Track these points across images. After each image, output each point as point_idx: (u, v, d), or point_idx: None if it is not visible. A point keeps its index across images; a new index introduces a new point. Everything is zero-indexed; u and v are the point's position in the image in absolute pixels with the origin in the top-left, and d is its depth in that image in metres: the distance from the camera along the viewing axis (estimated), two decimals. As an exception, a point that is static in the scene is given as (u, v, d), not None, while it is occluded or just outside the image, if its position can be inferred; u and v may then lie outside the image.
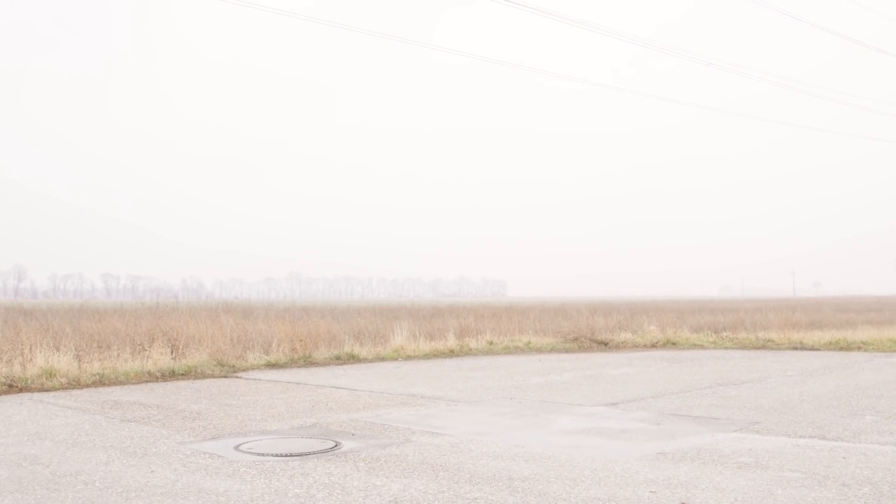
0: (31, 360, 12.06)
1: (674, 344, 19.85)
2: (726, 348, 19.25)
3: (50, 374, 11.57)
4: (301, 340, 15.86)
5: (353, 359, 15.58)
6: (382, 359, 15.83)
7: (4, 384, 10.99)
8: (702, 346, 19.42)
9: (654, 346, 19.54)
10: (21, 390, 10.91)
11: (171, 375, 12.51)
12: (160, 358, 13.26)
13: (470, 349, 17.75)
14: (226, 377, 12.65)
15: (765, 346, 19.02)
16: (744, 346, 19.53)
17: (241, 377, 12.60)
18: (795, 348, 18.42)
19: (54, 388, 11.10)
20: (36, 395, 10.52)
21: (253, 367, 13.74)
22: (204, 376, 12.64)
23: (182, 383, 11.85)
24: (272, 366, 14.09)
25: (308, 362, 14.76)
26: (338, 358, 15.45)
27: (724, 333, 22.14)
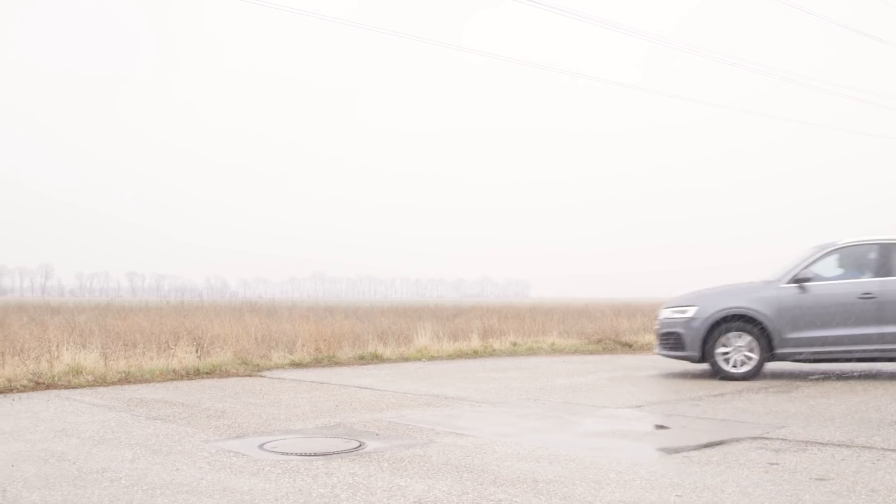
0: (57, 357, 12.16)
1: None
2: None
3: (76, 372, 11.65)
4: (325, 340, 15.90)
5: (376, 359, 15.60)
6: (406, 359, 15.84)
7: (32, 381, 11.08)
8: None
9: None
10: (48, 387, 10.99)
11: (195, 374, 12.57)
12: (185, 356, 13.32)
13: (493, 350, 17.73)
14: (250, 376, 12.69)
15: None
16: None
17: (265, 376, 12.65)
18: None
19: (81, 386, 11.18)
20: (63, 393, 10.60)
21: (277, 367, 13.78)
22: (228, 375, 12.70)
23: (207, 382, 11.91)
24: (296, 365, 14.12)
25: (332, 362, 14.79)
26: (361, 358, 15.47)
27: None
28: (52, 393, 10.57)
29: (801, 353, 11.80)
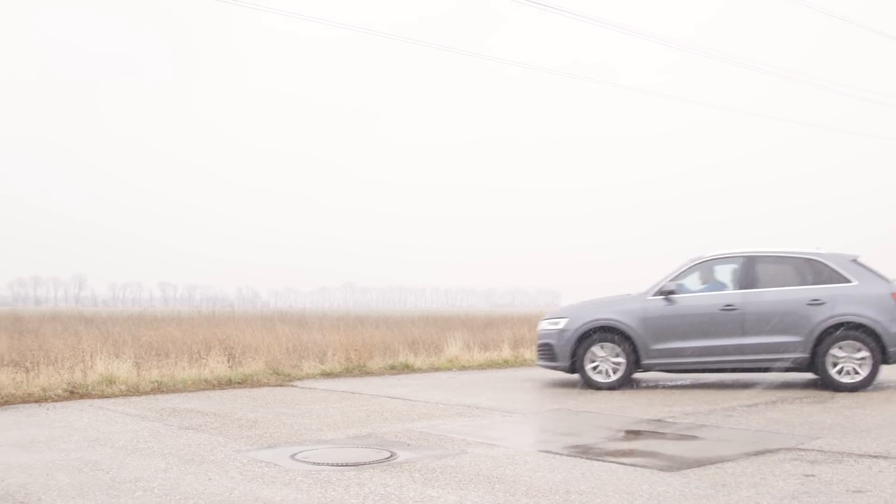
0: (91, 367, 12.26)
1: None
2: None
3: (110, 381, 11.74)
4: (356, 350, 15.92)
5: (407, 369, 15.60)
6: (437, 369, 15.82)
7: (66, 390, 11.18)
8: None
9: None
10: (82, 396, 11.08)
11: (227, 384, 12.62)
12: (217, 366, 13.38)
13: (524, 360, 17.67)
14: (281, 386, 12.73)
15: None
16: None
17: (296, 386, 12.68)
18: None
19: (114, 395, 11.26)
20: (96, 402, 10.68)
21: (308, 377, 13.81)
22: (260, 385, 12.74)
23: (238, 391, 11.95)
24: (327, 375, 14.15)
25: (363, 372, 14.80)
26: (392, 368, 15.47)
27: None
28: (86, 402, 10.66)
29: (666, 364, 12.03)
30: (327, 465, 6.57)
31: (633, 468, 6.36)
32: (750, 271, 11.96)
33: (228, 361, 13.86)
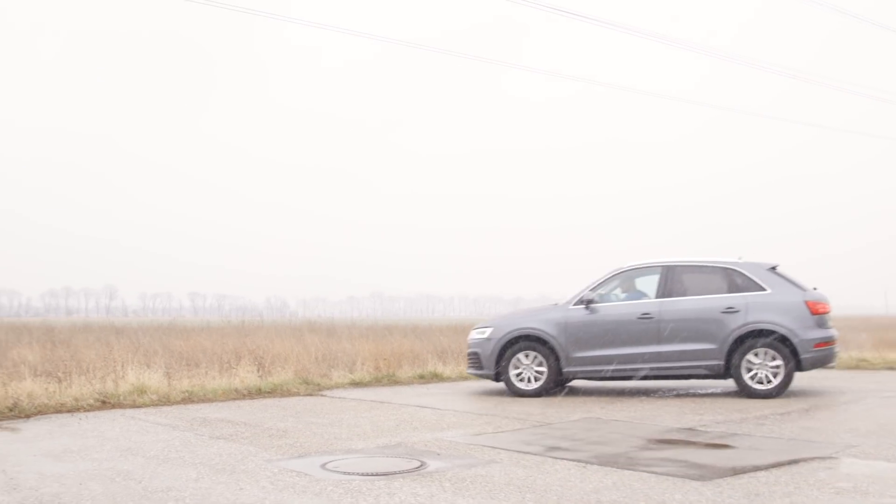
0: (122, 377, 12.34)
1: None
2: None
3: (141, 391, 11.81)
4: (384, 359, 15.94)
5: (436, 378, 15.58)
6: (466, 378, 15.79)
7: (98, 400, 11.26)
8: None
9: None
10: (113, 406, 11.15)
11: (257, 393, 12.67)
12: (247, 376, 13.43)
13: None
14: (311, 395, 12.76)
15: (858, 365, 18.46)
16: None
17: (325, 395, 12.70)
18: (891, 368, 17.85)
19: (145, 405, 11.32)
20: (128, 412, 10.75)
21: (337, 386, 13.83)
22: (289, 394, 12.77)
23: (268, 401, 11.99)
24: (356, 384, 14.16)
25: (392, 381, 14.81)
26: (421, 377, 15.47)
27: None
28: (118, 412, 10.73)
29: (586, 371, 12.26)
30: (358, 474, 6.57)
31: (664, 477, 6.31)
32: (668, 281, 12.19)
33: (258, 371, 13.91)
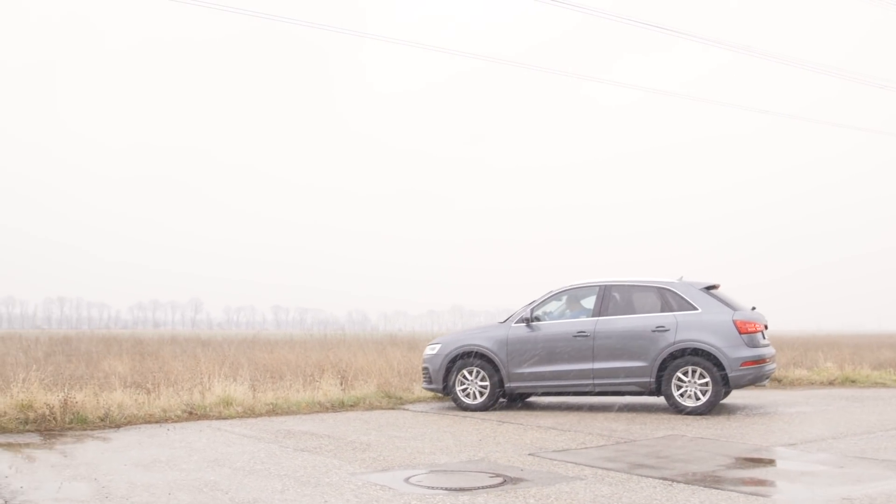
0: (209, 388, 12.55)
1: (853, 381, 18.86)
2: (912, 388, 18.15)
3: (227, 403, 11.99)
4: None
5: (517, 393, 15.49)
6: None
7: (185, 411, 11.47)
8: (884, 385, 18.39)
9: (831, 383, 18.63)
10: (200, 418, 11.35)
11: (339, 406, 12.77)
12: (330, 389, 13.54)
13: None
14: (393, 409, 12.81)
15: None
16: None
17: (407, 409, 12.74)
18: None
19: (231, 417, 11.50)
20: (214, 423, 10.92)
21: (419, 400, 13.86)
22: (372, 408, 12.84)
23: (351, 414, 12.07)
24: (438, 398, 14.17)
25: (473, 395, 14.76)
26: (502, 391, 15.39)
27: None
28: (204, 423, 10.91)
29: (525, 387, 12.61)
30: (441, 489, 6.57)
31: (753, 497, 6.17)
32: (604, 300, 12.49)
33: (341, 384, 14.01)
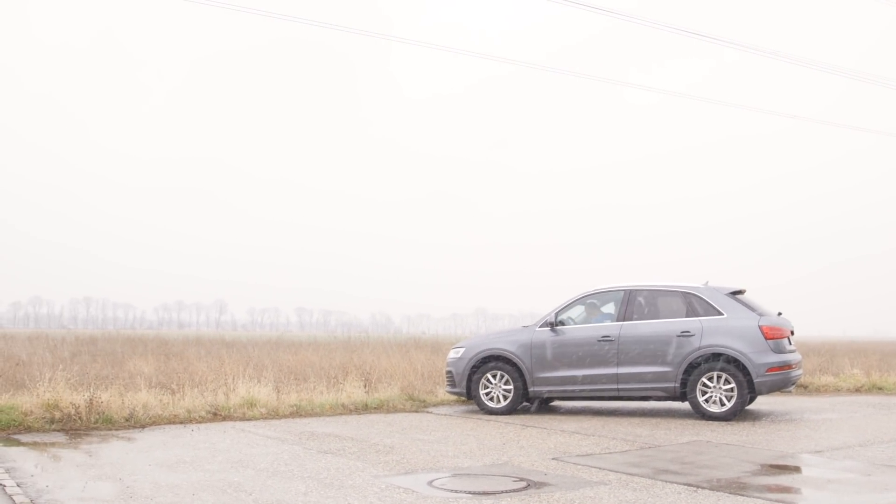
0: (233, 390, 12.58)
1: (880, 388, 18.69)
2: (940, 395, 17.95)
3: (251, 405, 12.02)
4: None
5: (541, 396, 15.44)
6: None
7: (209, 412, 11.51)
8: (912, 392, 18.21)
9: (857, 390, 18.47)
10: (224, 419, 11.39)
11: (363, 409, 12.77)
12: (353, 391, 13.55)
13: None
14: (416, 412, 12.81)
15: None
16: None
17: (431, 412, 12.73)
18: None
19: (255, 418, 11.53)
20: (238, 424, 10.95)
21: (443, 403, 13.85)
22: (395, 410, 12.84)
23: (374, 417, 12.07)
24: (462, 401, 14.15)
25: (496, 399, 14.73)
26: (526, 395, 15.35)
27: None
28: (228, 424, 10.94)
29: (549, 391, 12.55)
30: (465, 492, 6.55)
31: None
32: (629, 304, 12.46)
33: (364, 386, 14.01)
